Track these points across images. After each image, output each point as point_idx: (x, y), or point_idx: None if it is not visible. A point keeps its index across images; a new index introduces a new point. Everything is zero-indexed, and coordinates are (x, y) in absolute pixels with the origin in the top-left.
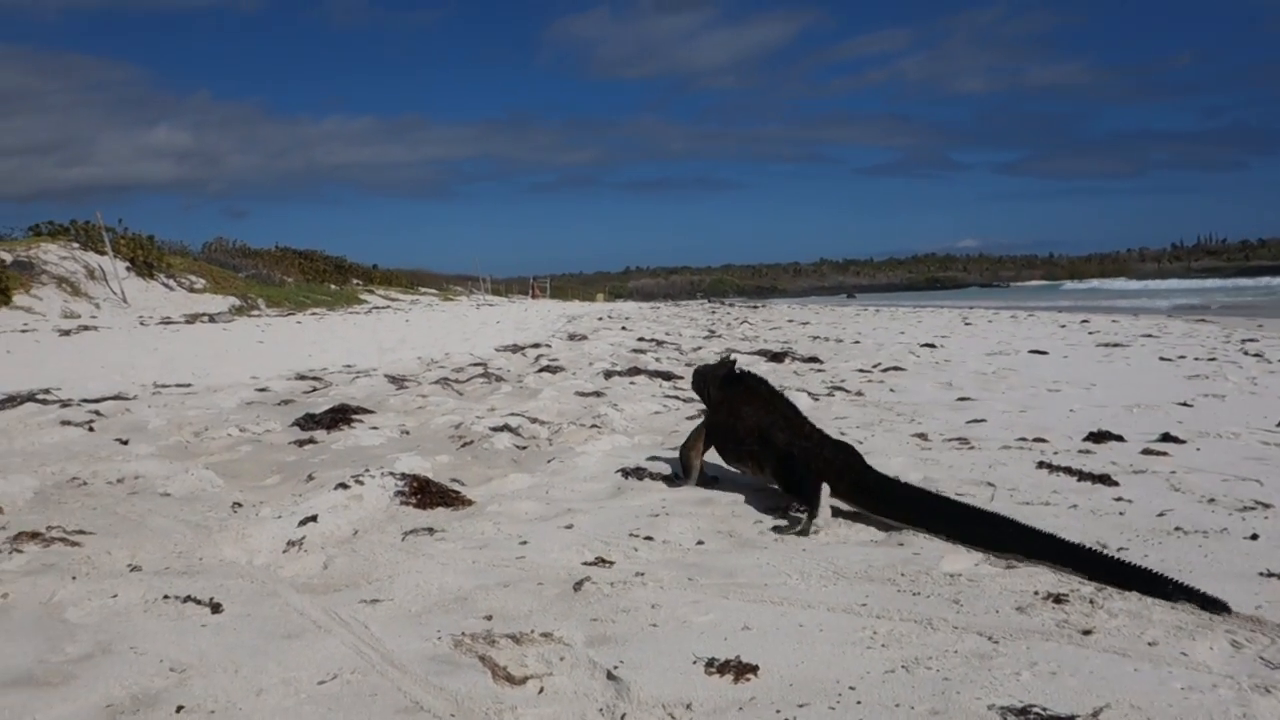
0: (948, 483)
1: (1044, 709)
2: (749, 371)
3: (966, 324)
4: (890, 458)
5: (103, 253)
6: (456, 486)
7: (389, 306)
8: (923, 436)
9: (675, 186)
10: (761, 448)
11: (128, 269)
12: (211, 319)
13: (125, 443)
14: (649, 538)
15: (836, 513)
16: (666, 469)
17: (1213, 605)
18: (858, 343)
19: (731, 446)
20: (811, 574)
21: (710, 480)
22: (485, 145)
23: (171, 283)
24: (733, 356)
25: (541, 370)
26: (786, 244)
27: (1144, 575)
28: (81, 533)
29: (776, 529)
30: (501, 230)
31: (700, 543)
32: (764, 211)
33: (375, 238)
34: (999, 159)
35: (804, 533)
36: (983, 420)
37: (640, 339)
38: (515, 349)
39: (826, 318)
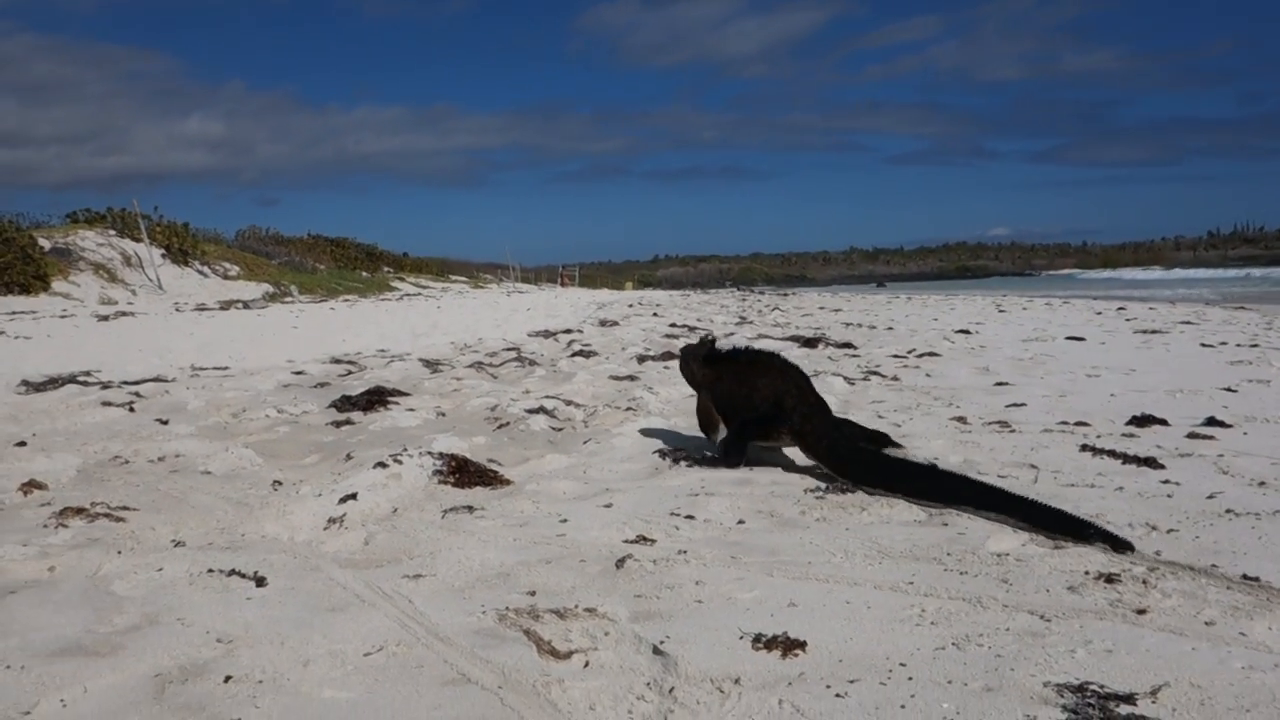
0: (989, 465)
1: (1101, 686)
2: (731, 348)
3: (1000, 311)
4: (930, 440)
5: (139, 240)
6: (494, 466)
7: (420, 293)
8: (961, 420)
9: (704, 175)
10: (772, 412)
11: (163, 256)
12: (246, 305)
13: (165, 423)
14: (689, 516)
15: (871, 491)
16: (703, 450)
17: (1121, 545)
18: (891, 329)
19: (749, 414)
20: (855, 552)
21: (746, 462)
22: (515, 134)
23: (206, 269)
24: (711, 336)
25: (574, 355)
26: (816, 232)
27: (1068, 520)
28: (125, 509)
29: (705, 459)
30: (531, 219)
31: (741, 522)
32: (793, 200)
33: (406, 226)
34: (1032, 147)
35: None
36: (1022, 404)
37: (672, 325)
38: (547, 334)
39: (858, 305)
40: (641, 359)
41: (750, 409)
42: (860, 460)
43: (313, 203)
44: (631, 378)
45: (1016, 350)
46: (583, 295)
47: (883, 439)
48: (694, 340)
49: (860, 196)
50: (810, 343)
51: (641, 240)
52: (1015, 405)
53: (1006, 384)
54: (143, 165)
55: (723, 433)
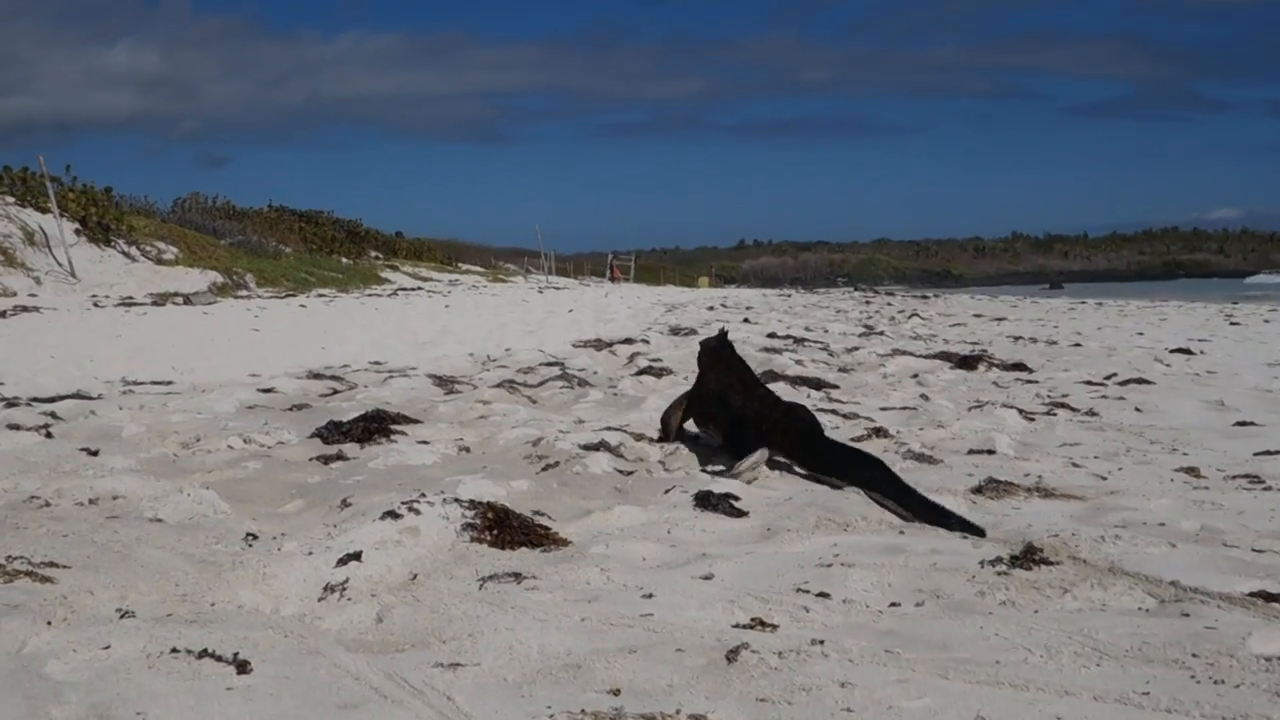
0: (1240, 535)
1: None
2: (726, 340)
3: (1232, 323)
4: (1150, 499)
5: (45, 210)
6: (543, 521)
7: (420, 288)
8: (1192, 472)
9: (811, 131)
10: (719, 410)
11: (78, 232)
12: (187, 300)
13: (94, 454)
14: (823, 594)
15: (1009, 554)
16: (836, 506)
17: (974, 530)
18: (1078, 345)
19: (698, 410)
20: (1061, 649)
21: (896, 528)
22: (550, 73)
23: (134, 251)
24: (725, 328)
25: (640, 373)
26: (964, 212)
27: (938, 511)
28: (52, 565)
29: (713, 473)
30: (570, 189)
31: (895, 604)
32: (935, 166)
33: (401, 197)
34: (1270, 95)
35: (736, 475)
36: (1277, 453)
37: (771, 335)
38: (600, 345)
39: (1028, 312)
40: None
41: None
42: (835, 457)
43: (275, 163)
44: None
45: (1262, 378)
46: (643, 294)
47: (798, 412)
48: (832, 356)
49: (1027, 162)
50: (967, 362)
51: (721, 220)
52: (1268, 454)
53: (1251, 424)
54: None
55: (672, 433)
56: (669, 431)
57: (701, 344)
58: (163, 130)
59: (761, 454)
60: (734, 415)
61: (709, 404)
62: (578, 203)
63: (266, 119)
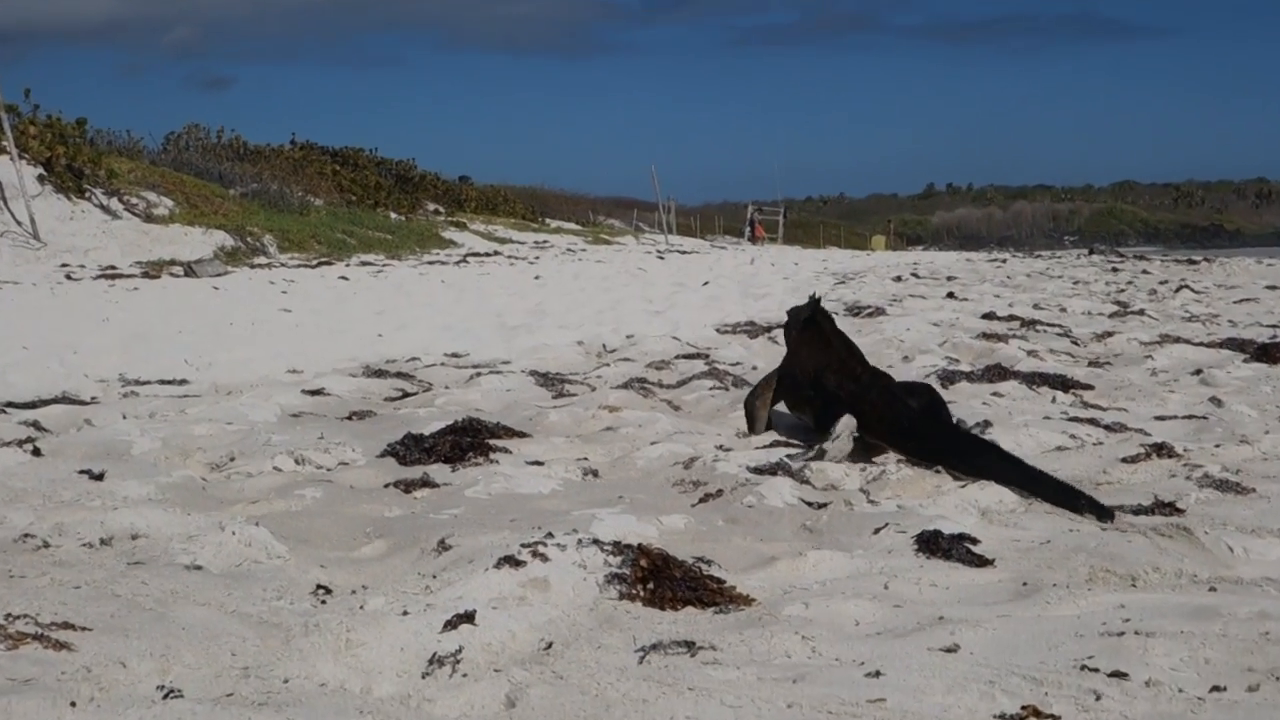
0: None
1: None
2: (820, 309)
3: None
4: None
5: (1, 150)
6: (711, 570)
7: (497, 252)
8: None
9: (1026, 33)
10: (815, 393)
11: (41, 179)
12: (189, 270)
13: (99, 477)
14: (1117, 674)
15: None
16: (1115, 552)
17: (1105, 513)
18: None
19: (792, 393)
20: None
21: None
22: None
23: (115, 204)
24: (817, 295)
25: None
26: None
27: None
28: (67, 627)
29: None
30: (693, 118)
31: (1218, 688)
32: (1199, 77)
33: (464, 131)
34: None
35: (816, 457)
36: None
37: (988, 315)
38: (754, 330)
39: None
40: (947, 376)
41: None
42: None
43: (298, 86)
44: None
45: None
46: (801, 259)
47: (900, 396)
48: (1077, 344)
49: None
50: (1268, 352)
51: (902, 158)
52: None
53: None
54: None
55: (761, 424)
56: (754, 422)
57: (790, 313)
58: (147, 42)
59: (846, 423)
60: (828, 397)
61: (802, 386)
62: (703, 137)
63: (284, 26)
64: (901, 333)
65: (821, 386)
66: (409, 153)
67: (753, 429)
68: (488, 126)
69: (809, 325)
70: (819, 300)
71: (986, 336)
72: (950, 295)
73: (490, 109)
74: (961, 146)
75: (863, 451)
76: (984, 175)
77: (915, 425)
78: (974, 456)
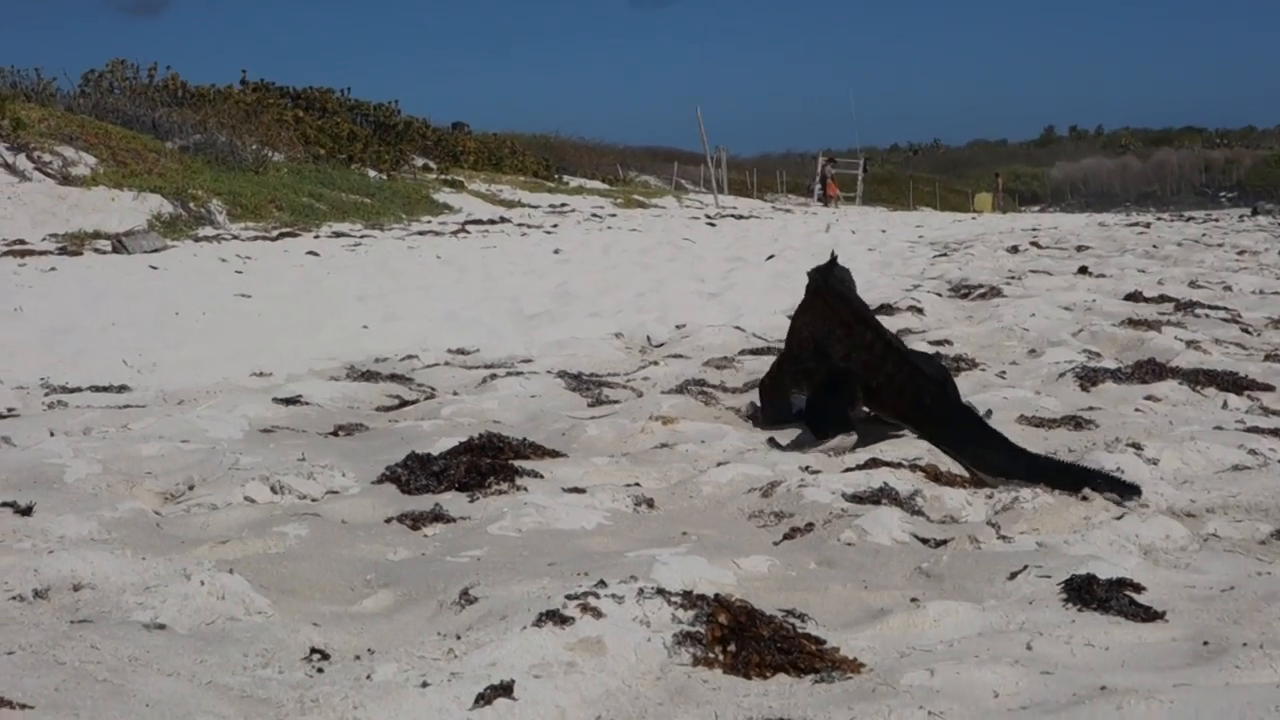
0: None
1: None
2: (833, 267)
3: None
4: None
5: None
6: (809, 628)
7: (504, 219)
8: None
9: None
10: (818, 363)
11: None
12: (119, 244)
13: (26, 511)
14: None
15: None
16: None
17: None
18: None
19: (792, 367)
20: None
21: None
22: None
23: (21, 162)
24: (835, 251)
25: None
26: None
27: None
28: (2, 704)
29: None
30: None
31: None
32: None
33: (459, 70)
34: None
35: (830, 450)
36: None
37: (1133, 296)
38: None
39: None
40: (1086, 377)
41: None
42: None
43: (248, 12)
44: (1078, 421)
45: None
46: (889, 224)
47: (918, 368)
48: (1250, 333)
49: None
50: None
51: (1012, 98)
52: None
53: None
54: None
55: (769, 410)
56: (764, 405)
57: (810, 275)
58: None
59: (839, 443)
60: (833, 371)
61: (805, 357)
62: (759, 69)
63: None
64: (1024, 319)
65: (825, 357)
66: (390, 94)
67: (763, 415)
68: (486, 62)
69: (822, 287)
70: (836, 257)
71: (1132, 323)
72: (1083, 270)
73: (489, 39)
74: (1088, 80)
75: (879, 433)
76: (1117, 116)
77: (939, 403)
78: (991, 452)
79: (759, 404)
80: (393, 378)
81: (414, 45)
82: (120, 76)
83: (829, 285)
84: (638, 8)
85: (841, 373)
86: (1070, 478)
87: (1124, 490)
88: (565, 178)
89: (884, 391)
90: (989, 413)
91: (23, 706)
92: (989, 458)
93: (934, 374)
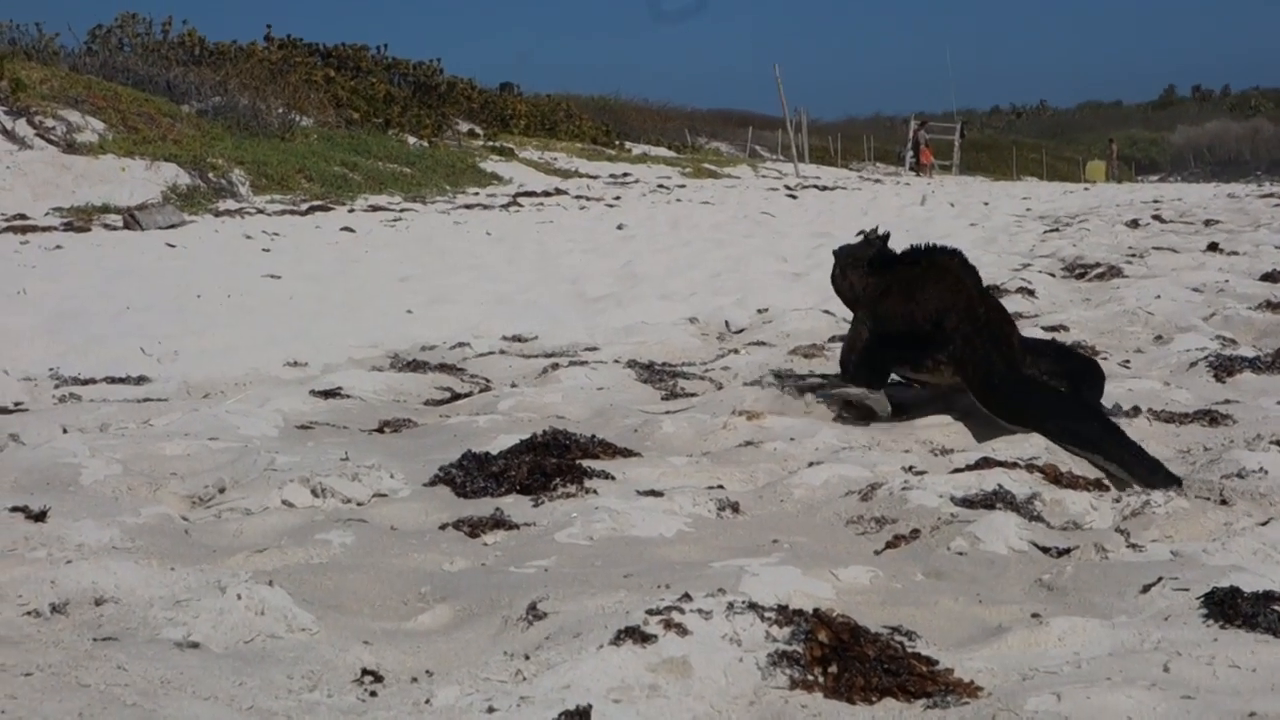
0: None
1: None
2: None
3: None
4: None
5: None
6: (917, 647)
7: (559, 190)
8: None
9: None
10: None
11: None
12: (131, 218)
13: (39, 517)
14: None
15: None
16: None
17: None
18: None
19: (901, 343)
20: None
21: None
22: None
23: (22, 127)
24: (880, 230)
25: None
26: None
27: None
28: None
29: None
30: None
31: None
32: None
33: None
34: None
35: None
36: None
37: (1270, 276)
38: None
39: None
40: (1222, 367)
41: (907, 329)
42: (1020, 394)
43: None
44: (1213, 417)
45: None
46: (991, 194)
47: (1084, 368)
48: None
49: None
50: None
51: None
52: None
53: None
54: None
55: (869, 381)
56: (847, 373)
57: (839, 253)
58: None
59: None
60: (954, 357)
61: (924, 333)
62: (841, 26)
63: None
64: (1149, 302)
65: (940, 328)
66: (431, 52)
67: (869, 388)
68: (538, 15)
69: (935, 260)
70: (886, 237)
71: (1271, 306)
72: (1213, 247)
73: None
74: (1213, 33)
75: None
76: (1246, 74)
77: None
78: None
79: (844, 374)
80: (442, 368)
81: None
82: (131, 32)
83: (963, 260)
84: None
85: (922, 341)
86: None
87: (1170, 480)
88: (627, 144)
89: (968, 366)
90: (1122, 407)
91: None
92: (1080, 430)
93: (1047, 368)
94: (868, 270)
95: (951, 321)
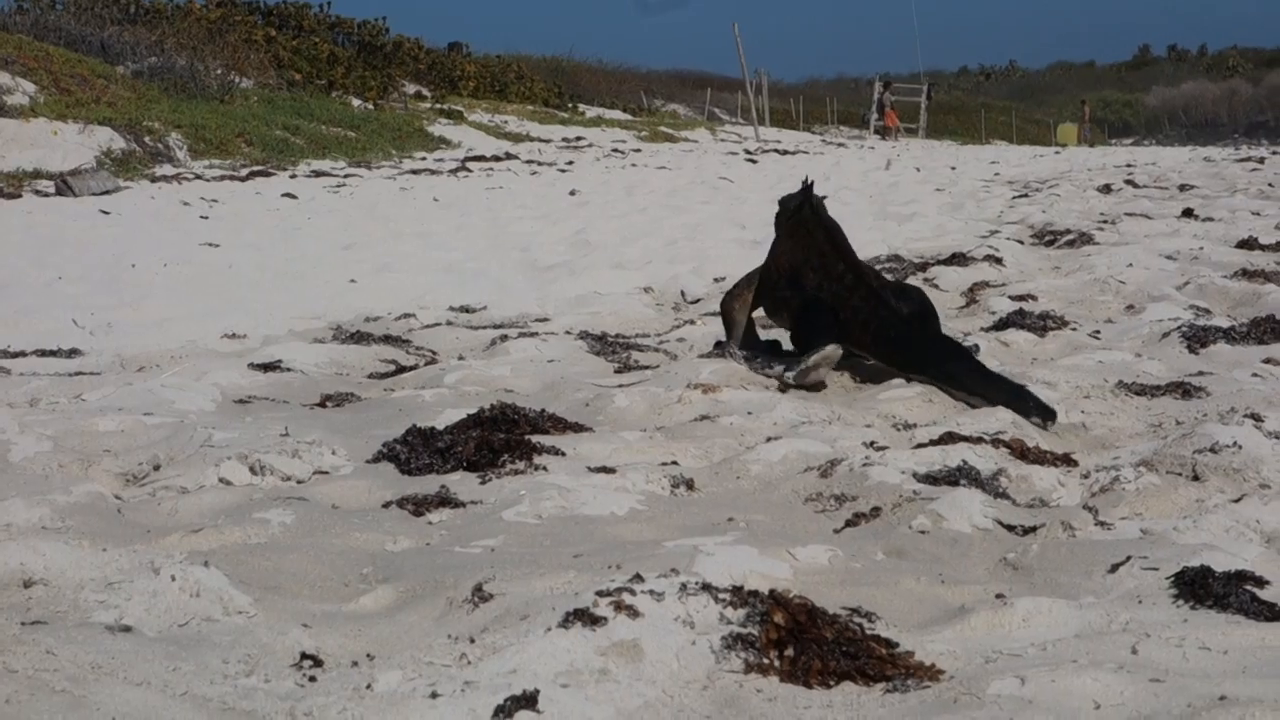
0: None
1: None
2: (809, 195)
3: None
4: None
5: None
6: (876, 628)
7: (510, 154)
8: None
9: None
10: (792, 293)
11: None
12: (64, 184)
13: None
14: None
15: None
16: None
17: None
18: None
19: (768, 294)
20: None
21: None
22: None
23: None
24: (810, 180)
25: (1000, 325)
26: None
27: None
28: None
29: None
30: None
31: None
32: None
33: None
34: None
35: (791, 380)
36: None
37: (1247, 243)
38: (901, 266)
39: None
40: (1196, 338)
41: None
42: (906, 340)
43: None
44: (1190, 390)
45: None
46: (959, 159)
47: (922, 309)
48: None
49: None
50: None
51: (1100, 12)
52: None
53: None
54: None
55: (739, 331)
56: (732, 326)
57: (781, 203)
58: None
59: (829, 352)
60: (805, 300)
61: (781, 286)
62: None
63: None
64: (1121, 270)
65: (799, 286)
66: (377, 10)
67: (729, 337)
68: None
69: (796, 214)
70: (811, 184)
71: (1247, 275)
72: (1188, 213)
73: None
74: None
75: (850, 368)
76: (1223, 34)
77: (904, 334)
78: (946, 362)
79: (724, 325)
80: (387, 339)
81: None
82: None
83: (818, 214)
84: None
85: (812, 300)
86: (1014, 396)
87: (1046, 414)
88: (581, 107)
89: (850, 325)
90: (975, 347)
91: None
92: (967, 382)
93: (911, 309)
94: (786, 218)
95: (809, 279)
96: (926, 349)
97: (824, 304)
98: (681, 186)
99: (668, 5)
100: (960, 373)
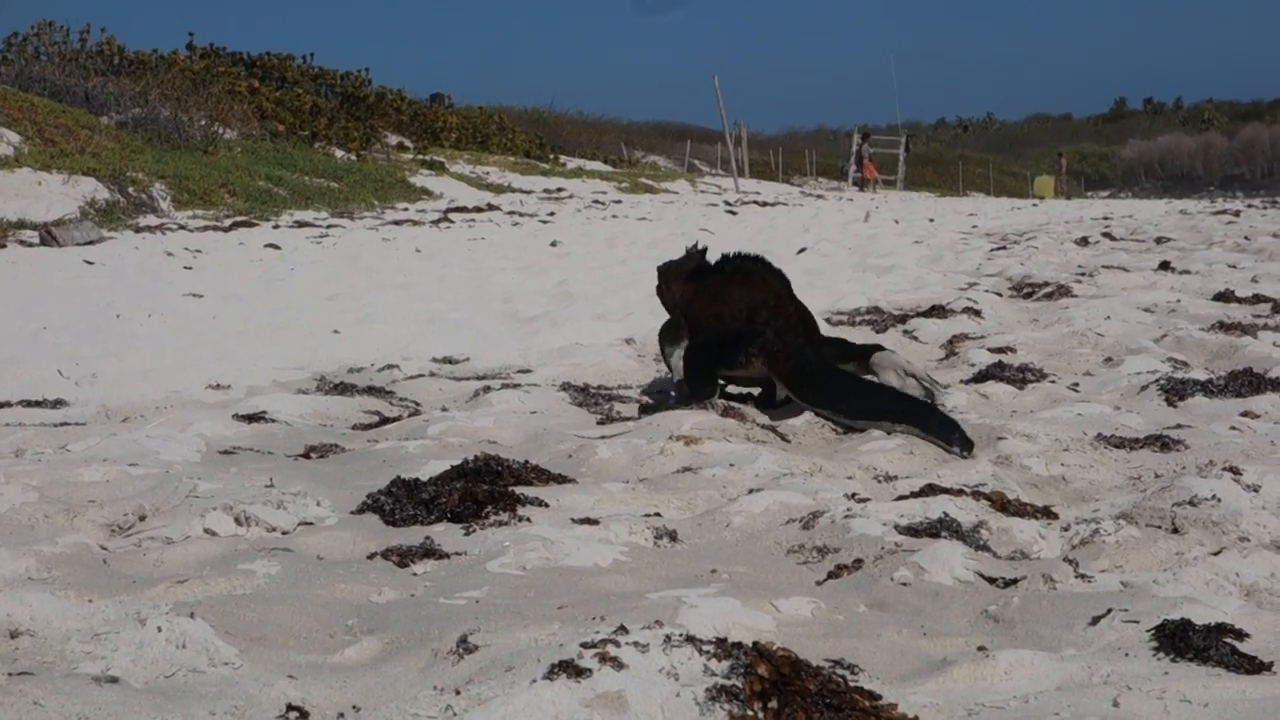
0: None
1: None
2: (722, 258)
3: None
4: None
5: None
6: (860, 681)
7: (492, 205)
8: None
9: None
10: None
11: None
12: (48, 235)
13: None
14: None
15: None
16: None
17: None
18: None
19: (738, 340)
20: None
21: None
22: None
23: None
24: (701, 246)
25: (980, 377)
26: None
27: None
28: None
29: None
30: (768, 13)
31: None
32: None
33: (437, 34)
34: None
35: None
36: None
37: (1224, 296)
38: (880, 318)
39: None
40: (1174, 390)
41: (719, 328)
42: (821, 379)
43: None
44: (1169, 443)
45: None
46: (937, 213)
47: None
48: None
49: None
50: None
51: (1077, 66)
52: None
53: None
54: None
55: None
56: (674, 370)
57: (663, 269)
58: None
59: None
60: (766, 349)
61: (738, 328)
62: (783, 35)
63: None
64: (1099, 322)
65: (752, 323)
66: (359, 62)
67: (694, 393)
68: (470, 24)
69: (741, 267)
70: (704, 251)
71: (1224, 327)
72: (1164, 266)
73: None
74: (1165, 45)
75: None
76: (1198, 87)
77: (822, 370)
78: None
79: (675, 383)
80: (370, 391)
81: (386, 4)
82: (48, 41)
83: (766, 265)
84: None
85: (736, 337)
86: (942, 426)
87: (965, 445)
88: (562, 158)
89: (778, 357)
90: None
91: None
92: (857, 404)
93: (832, 354)
94: (686, 280)
95: (762, 316)
96: (831, 381)
97: (767, 339)
98: (662, 238)
99: (666, 5)
100: (873, 402)
